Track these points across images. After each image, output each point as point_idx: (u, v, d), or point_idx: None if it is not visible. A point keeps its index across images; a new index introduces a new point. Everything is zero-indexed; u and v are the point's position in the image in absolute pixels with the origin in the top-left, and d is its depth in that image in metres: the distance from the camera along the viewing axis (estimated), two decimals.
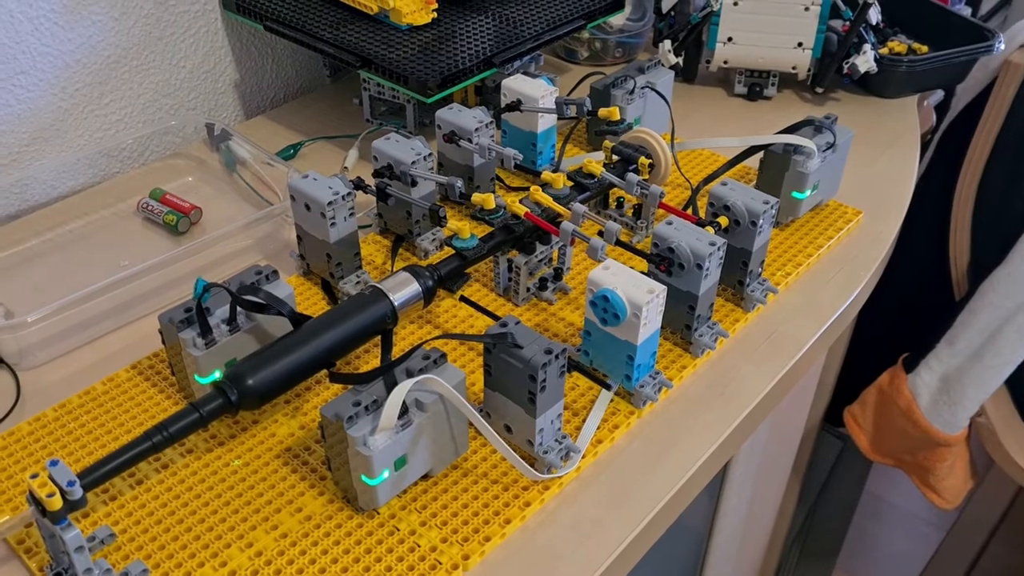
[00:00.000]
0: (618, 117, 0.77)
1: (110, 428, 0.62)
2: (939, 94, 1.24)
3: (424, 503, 0.57)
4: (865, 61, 0.96)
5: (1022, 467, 1.23)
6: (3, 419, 0.63)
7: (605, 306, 0.60)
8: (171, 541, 0.55)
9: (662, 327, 0.68)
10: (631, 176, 0.71)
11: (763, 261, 0.73)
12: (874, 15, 0.97)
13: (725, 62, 1.01)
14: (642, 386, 0.64)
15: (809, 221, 0.83)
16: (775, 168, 0.78)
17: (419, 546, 0.55)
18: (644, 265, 0.67)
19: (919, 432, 1.26)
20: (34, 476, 0.48)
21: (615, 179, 0.72)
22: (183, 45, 0.92)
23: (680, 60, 1.02)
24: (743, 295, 0.72)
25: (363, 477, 0.54)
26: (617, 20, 1.06)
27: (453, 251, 0.67)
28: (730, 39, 0.99)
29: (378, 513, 0.57)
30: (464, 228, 0.66)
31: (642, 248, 0.69)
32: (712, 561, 0.94)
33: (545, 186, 0.71)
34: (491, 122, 0.78)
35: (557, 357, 0.55)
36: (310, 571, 0.53)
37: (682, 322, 0.68)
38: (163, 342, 0.62)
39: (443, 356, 0.56)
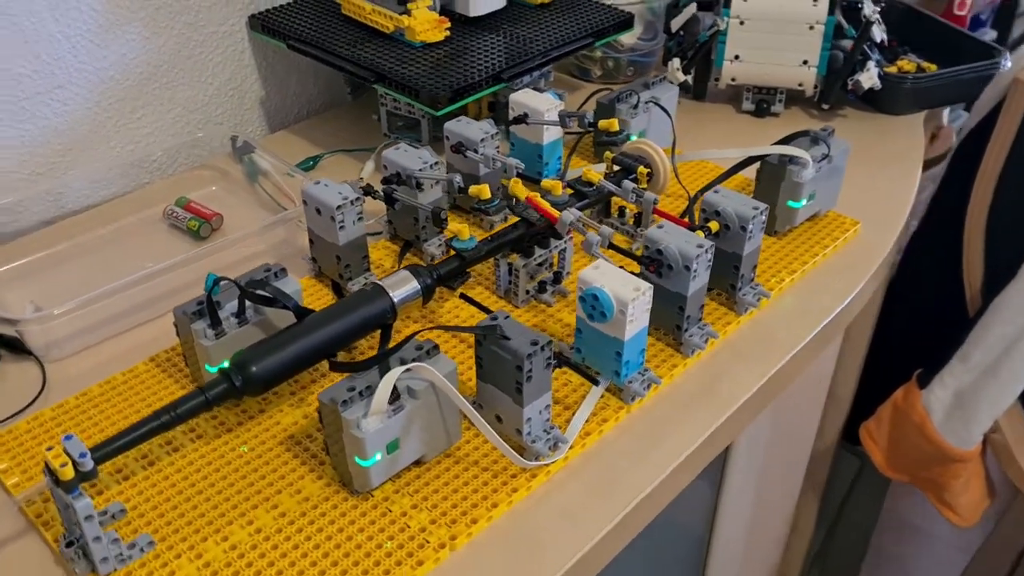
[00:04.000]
0: (617, 128, 0.80)
1: (127, 414, 0.66)
2: (963, 116, 1.26)
3: (416, 487, 0.60)
4: (869, 78, 0.99)
5: None
6: (29, 405, 0.67)
7: (593, 303, 0.63)
8: (178, 518, 0.58)
9: (654, 327, 0.71)
10: (627, 183, 0.74)
11: (755, 266, 0.75)
12: (879, 33, 0.99)
13: (733, 79, 1.04)
14: (631, 382, 0.66)
15: (807, 230, 0.85)
16: (771, 178, 0.81)
17: (409, 526, 0.58)
18: (637, 268, 0.69)
19: (932, 448, 1.26)
20: (50, 449, 0.51)
21: (612, 187, 0.75)
22: (211, 63, 0.98)
23: (689, 78, 1.05)
24: (736, 299, 0.75)
25: (356, 459, 0.57)
26: (628, 39, 1.09)
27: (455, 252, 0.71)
28: (737, 57, 1.02)
29: (372, 496, 0.60)
30: (464, 230, 0.70)
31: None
32: (714, 566, 0.95)
33: (545, 193, 0.74)
34: (496, 133, 0.81)
35: (543, 348, 0.58)
36: (305, 547, 0.56)
37: (673, 322, 0.70)
38: (177, 334, 0.66)
39: (436, 347, 0.59)
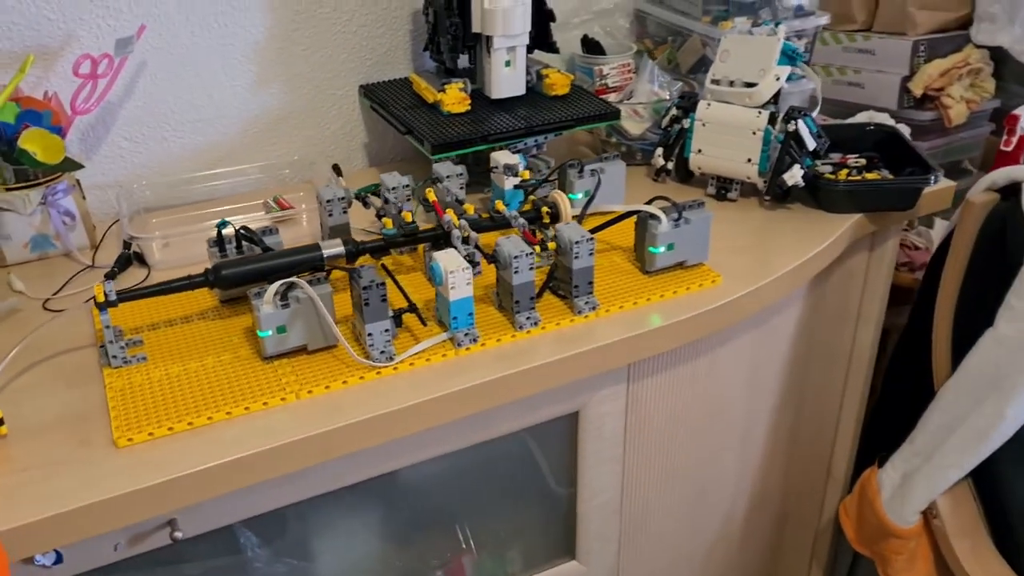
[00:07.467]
0: (527, 177, 1.13)
1: (179, 299, 1.09)
2: None
3: (297, 362, 0.97)
4: (791, 176, 1.22)
5: (968, 573, 1.32)
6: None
7: (432, 272, 0.97)
8: (170, 350, 1.00)
9: (499, 307, 1.03)
10: (514, 213, 1.07)
11: (590, 281, 1.04)
12: (810, 141, 1.23)
13: (699, 168, 1.31)
14: (457, 333, 0.98)
15: (674, 274, 1.11)
16: (640, 228, 1.10)
17: (281, 381, 0.94)
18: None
19: (878, 522, 1.39)
20: (99, 286, 0.95)
21: (508, 214, 1.08)
22: (329, 115, 1.43)
23: (669, 164, 1.34)
24: (572, 303, 1.04)
25: (258, 331, 0.95)
26: (636, 130, 1.40)
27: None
28: (700, 151, 1.30)
29: (272, 362, 0.97)
30: (388, 222, 1.06)
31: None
32: (584, 535, 1.21)
33: (463, 213, 1.09)
34: (462, 173, 1.17)
35: (377, 287, 0.93)
36: (225, 379, 0.95)
37: (508, 305, 1.01)
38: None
39: (327, 277, 0.96)
